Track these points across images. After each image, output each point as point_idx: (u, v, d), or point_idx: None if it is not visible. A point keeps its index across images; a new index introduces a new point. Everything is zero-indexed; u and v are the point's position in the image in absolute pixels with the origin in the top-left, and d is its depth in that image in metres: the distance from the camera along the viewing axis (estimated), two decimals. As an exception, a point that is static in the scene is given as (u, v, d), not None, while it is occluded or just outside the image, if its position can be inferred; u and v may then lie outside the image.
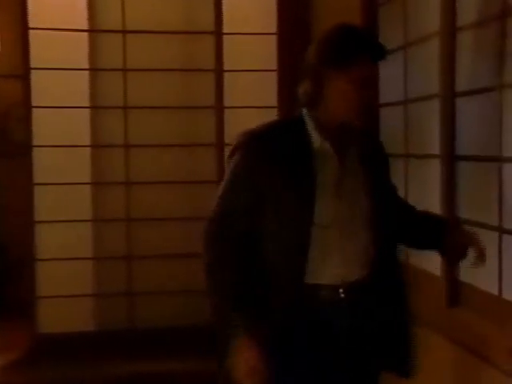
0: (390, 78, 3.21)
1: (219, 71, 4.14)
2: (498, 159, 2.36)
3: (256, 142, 2.02)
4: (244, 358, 1.90)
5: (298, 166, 1.97)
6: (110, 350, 3.99)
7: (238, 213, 2.01)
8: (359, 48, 1.93)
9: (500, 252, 2.36)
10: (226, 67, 4.15)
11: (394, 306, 2.09)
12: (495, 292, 2.38)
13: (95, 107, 4.13)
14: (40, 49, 3.98)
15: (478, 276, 2.52)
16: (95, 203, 4.16)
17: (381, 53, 1.97)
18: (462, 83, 2.63)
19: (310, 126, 2.01)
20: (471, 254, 2.10)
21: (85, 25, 4.08)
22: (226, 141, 4.18)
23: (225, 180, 2.06)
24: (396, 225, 2.14)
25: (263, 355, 1.90)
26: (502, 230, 2.34)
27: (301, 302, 1.97)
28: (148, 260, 4.16)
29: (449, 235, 2.14)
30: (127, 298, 4.17)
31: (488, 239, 2.41)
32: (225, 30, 4.13)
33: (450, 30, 2.66)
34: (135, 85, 4.13)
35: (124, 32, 4.11)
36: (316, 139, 2.00)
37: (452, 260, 2.31)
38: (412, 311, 2.14)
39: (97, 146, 4.14)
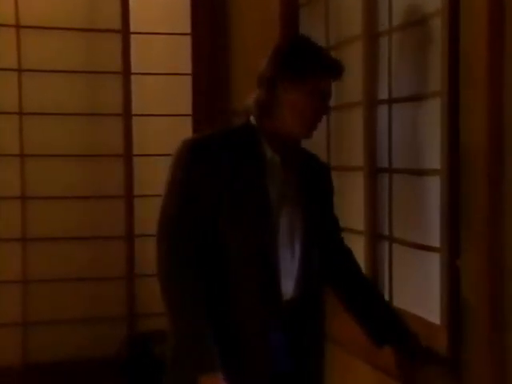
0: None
1: (126, 74, 4.17)
2: (420, 172, 2.50)
3: (205, 149, 2.08)
4: None
5: (252, 179, 2.07)
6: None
7: (195, 229, 2.04)
8: (319, 62, 2.08)
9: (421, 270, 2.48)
10: (134, 70, 4.19)
11: (315, 329, 2.20)
12: (415, 312, 2.50)
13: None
14: None
15: (397, 298, 2.65)
16: (-14, 220, 4.11)
17: (340, 69, 2.13)
18: (385, 90, 2.74)
19: (262, 137, 2.12)
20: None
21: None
22: (135, 152, 4.21)
23: (172, 193, 2.09)
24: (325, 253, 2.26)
25: None
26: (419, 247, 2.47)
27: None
28: (47, 285, 4.12)
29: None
30: (21, 329, 4.12)
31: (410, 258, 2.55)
32: (133, 29, 4.18)
33: (372, 33, 2.77)
34: (32, 88, 4.11)
35: (17, 27, 4.08)
36: (268, 152, 2.11)
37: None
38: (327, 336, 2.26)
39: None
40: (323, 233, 2.23)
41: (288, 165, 2.14)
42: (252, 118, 2.14)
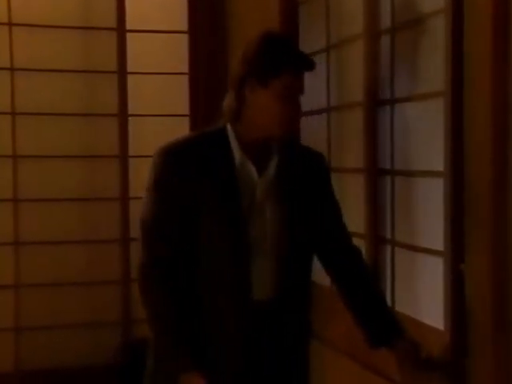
0: (312, 83, 3.31)
1: (122, 73, 4.17)
2: (422, 174, 2.51)
3: (178, 156, 2.12)
4: None
5: (222, 185, 2.10)
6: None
7: (170, 235, 2.11)
8: (284, 61, 2.06)
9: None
10: (130, 69, 4.19)
11: (294, 333, 2.22)
12: (417, 317, 2.51)
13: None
14: None
15: (400, 303, 2.66)
16: (-22, 223, 4.11)
17: (306, 64, 2.11)
18: (387, 90, 2.75)
19: (233, 142, 2.13)
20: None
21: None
22: (131, 153, 4.22)
23: (147, 200, 2.14)
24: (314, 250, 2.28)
25: None
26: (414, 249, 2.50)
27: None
28: (40, 289, 4.13)
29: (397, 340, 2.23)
30: (14, 335, 4.12)
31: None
32: (129, 28, 4.19)
33: (374, 32, 2.78)
34: (25, 87, 4.12)
35: (10, 25, 4.08)
36: (238, 156, 2.12)
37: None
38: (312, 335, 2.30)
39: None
40: (314, 233, 2.23)
41: (264, 168, 2.15)
42: (227, 122, 2.16)
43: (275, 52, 2.08)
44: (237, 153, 2.12)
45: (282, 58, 2.06)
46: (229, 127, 2.15)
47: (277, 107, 2.07)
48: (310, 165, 2.26)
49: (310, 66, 2.12)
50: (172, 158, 2.11)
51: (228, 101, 2.15)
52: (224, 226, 2.10)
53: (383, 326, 2.25)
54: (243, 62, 2.10)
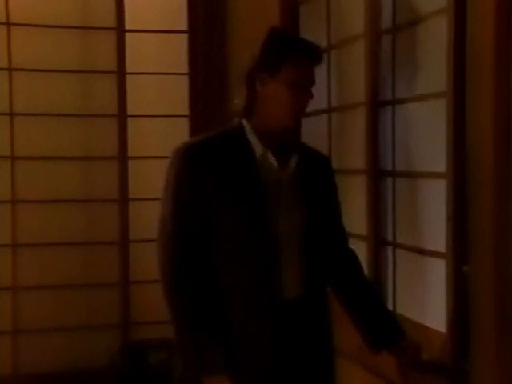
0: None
1: (121, 74, 4.18)
2: (424, 175, 2.51)
3: (197, 154, 2.13)
4: None
5: (245, 178, 2.12)
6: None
7: (191, 234, 2.11)
8: (289, 48, 2.12)
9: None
10: (129, 69, 4.19)
11: (319, 330, 2.22)
12: (419, 319, 2.51)
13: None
14: None
15: (401, 305, 2.66)
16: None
17: (313, 53, 2.16)
18: (389, 91, 2.75)
19: (251, 136, 2.16)
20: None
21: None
22: (130, 154, 4.22)
23: (168, 200, 2.15)
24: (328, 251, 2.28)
25: None
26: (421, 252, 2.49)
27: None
28: (38, 292, 4.12)
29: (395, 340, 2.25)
30: (12, 338, 4.12)
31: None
32: (128, 27, 4.18)
33: (375, 31, 2.79)
34: (23, 87, 4.11)
35: (8, 24, 4.07)
36: (258, 149, 2.15)
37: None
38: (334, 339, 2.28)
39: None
40: (325, 229, 2.25)
41: (284, 158, 2.17)
42: (242, 119, 2.19)
43: (280, 42, 2.14)
44: (257, 146, 2.15)
45: (285, 47, 2.12)
46: (245, 123, 2.18)
47: (286, 96, 2.11)
48: (320, 166, 2.31)
49: (314, 56, 2.16)
50: (190, 157, 2.13)
51: (240, 98, 2.19)
52: (249, 225, 2.10)
53: (383, 328, 2.25)
54: (253, 56, 2.16)
